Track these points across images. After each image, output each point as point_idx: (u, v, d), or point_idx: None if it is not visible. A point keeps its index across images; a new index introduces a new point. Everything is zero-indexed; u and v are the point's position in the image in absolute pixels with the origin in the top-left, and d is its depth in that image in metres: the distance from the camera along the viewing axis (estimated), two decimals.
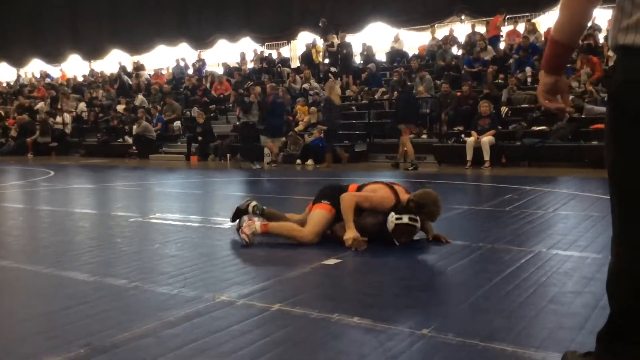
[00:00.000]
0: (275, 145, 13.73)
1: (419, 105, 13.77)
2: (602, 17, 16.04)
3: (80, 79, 24.90)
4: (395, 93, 14.13)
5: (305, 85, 17.32)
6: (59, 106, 20.84)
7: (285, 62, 20.71)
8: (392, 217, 4.39)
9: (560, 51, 1.83)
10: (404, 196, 4.60)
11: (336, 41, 18.62)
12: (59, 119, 20.16)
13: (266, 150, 13.90)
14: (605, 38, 14.33)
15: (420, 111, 13.48)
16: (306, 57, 19.57)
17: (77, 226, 5.93)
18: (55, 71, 27.18)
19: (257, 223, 4.60)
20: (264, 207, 5.01)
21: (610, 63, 12.98)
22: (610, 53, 13.05)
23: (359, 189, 4.76)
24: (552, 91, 1.89)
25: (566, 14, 1.77)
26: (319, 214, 4.63)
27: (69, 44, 26.64)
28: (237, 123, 15.06)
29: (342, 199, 4.50)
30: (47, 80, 25.59)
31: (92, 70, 25.46)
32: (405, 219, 4.36)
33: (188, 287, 3.39)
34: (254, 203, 5.01)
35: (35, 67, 27.79)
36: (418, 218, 4.43)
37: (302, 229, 4.61)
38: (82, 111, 20.94)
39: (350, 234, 4.39)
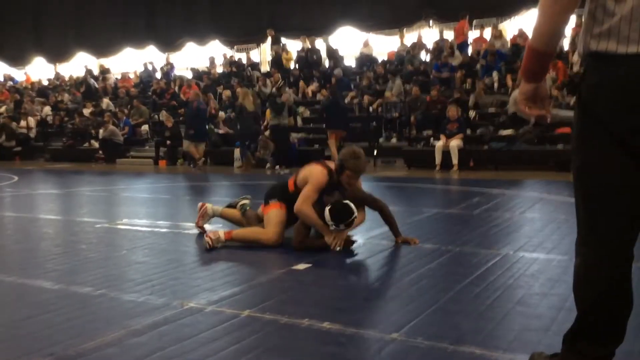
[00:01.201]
0: (198, 150, 13.95)
1: (347, 111, 14.26)
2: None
3: (46, 82, 24.42)
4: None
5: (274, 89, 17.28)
6: (23, 110, 20.38)
7: (255, 65, 20.65)
8: (328, 223, 4.41)
9: (540, 59, 1.82)
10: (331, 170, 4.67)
11: (307, 45, 18.70)
12: (23, 123, 19.71)
13: (236, 155, 13.89)
14: (571, 44, 14.62)
15: (348, 117, 13.91)
16: (276, 62, 19.56)
17: (41, 233, 5.80)
18: (19, 74, 26.60)
19: (221, 232, 4.67)
20: (248, 208, 5.10)
21: (575, 68, 13.25)
22: (575, 58, 13.34)
23: (295, 180, 4.81)
24: (533, 98, 1.89)
25: (543, 21, 1.77)
26: (275, 213, 4.70)
27: (33, 47, 26.07)
28: (267, 125, 14.17)
29: (298, 213, 4.52)
30: (11, 83, 25.02)
31: (57, 74, 24.99)
32: (341, 226, 4.39)
33: (155, 295, 3.34)
34: (243, 202, 5.11)
35: None
36: (355, 216, 4.42)
37: (266, 232, 4.66)
38: (47, 115, 20.52)
39: (329, 237, 4.43)
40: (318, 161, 4.90)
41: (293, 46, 19.97)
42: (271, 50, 19.88)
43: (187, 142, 14.14)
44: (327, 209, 4.41)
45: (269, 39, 20.69)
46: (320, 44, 19.20)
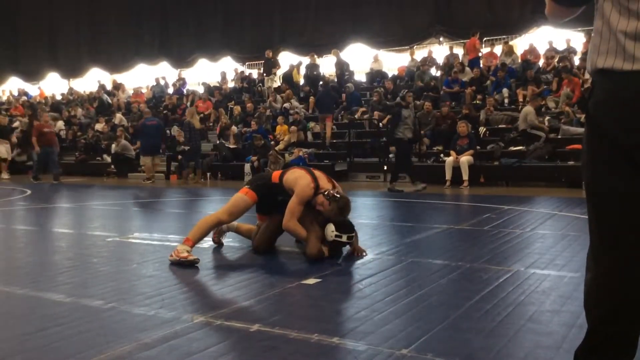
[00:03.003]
0: (151, 164, 14.82)
1: (337, 97, 16.82)
2: (577, 40, 16.40)
3: (59, 97, 24.70)
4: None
5: (286, 105, 17.39)
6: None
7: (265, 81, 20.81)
8: (331, 232, 4.57)
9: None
10: (325, 183, 4.73)
11: (313, 61, 18.94)
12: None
13: (246, 169, 13.97)
14: (583, 60, 14.62)
15: (338, 102, 16.82)
16: (287, 77, 19.70)
17: (53, 246, 5.83)
18: (33, 89, 26.94)
19: (179, 246, 4.63)
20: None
21: (586, 85, 13.24)
22: (587, 75, 13.32)
23: (282, 174, 4.89)
24: None
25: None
26: (237, 196, 4.81)
27: (48, 62, 26.47)
28: (386, 139, 13.34)
29: (286, 229, 4.70)
30: (25, 98, 25.33)
31: (71, 89, 25.28)
32: (344, 237, 4.59)
33: (166, 308, 3.35)
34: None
35: (13, 85, 27.52)
36: (355, 233, 4.70)
37: (215, 214, 4.82)
38: (60, 129, 20.73)
39: (316, 245, 4.56)
40: (307, 170, 4.94)
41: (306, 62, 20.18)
42: (264, 67, 20.36)
43: (142, 157, 15.15)
44: (331, 224, 4.58)
45: (280, 55, 20.92)
46: (329, 60, 19.35)
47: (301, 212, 4.65)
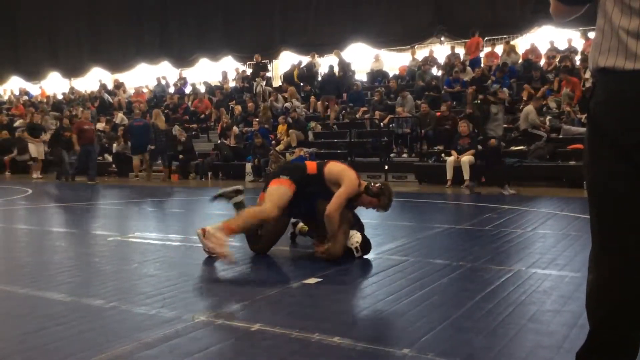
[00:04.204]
0: (139, 161, 15.38)
1: (339, 81, 17.70)
2: (578, 39, 16.38)
3: (60, 96, 24.71)
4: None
5: (287, 105, 17.38)
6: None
7: (267, 80, 20.81)
8: (355, 242, 4.64)
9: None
10: (360, 181, 4.73)
11: (314, 61, 18.95)
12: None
13: (247, 169, 13.98)
14: (582, 60, 14.61)
15: (340, 86, 17.69)
16: (288, 77, 19.71)
17: (54, 245, 5.84)
18: (34, 89, 26.95)
19: (218, 233, 4.24)
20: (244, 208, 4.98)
21: (587, 85, 13.22)
22: (587, 75, 13.31)
23: (320, 166, 4.76)
24: None
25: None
26: (282, 189, 4.54)
27: (49, 62, 26.49)
28: (480, 139, 12.13)
29: (329, 216, 4.48)
30: (26, 97, 25.34)
31: (72, 88, 25.29)
32: (359, 254, 4.66)
33: (167, 308, 3.35)
34: (238, 199, 5.03)
35: (14, 85, 27.53)
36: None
37: (262, 208, 4.44)
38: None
39: (322, 246, 4.54)
40: (347, 164, 4.94)
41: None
42: (253, 71, 20.69)
43: (133, 156, 15.69)
44: (358, 235, 4.68)
45: (281, 54, 20.94)
46: (330, 60, 19.36)
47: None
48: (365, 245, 4.71)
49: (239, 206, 5.02)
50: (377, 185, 4.69)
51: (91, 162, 14.80)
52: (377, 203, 4.67)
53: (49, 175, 16.75)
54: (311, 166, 4.78)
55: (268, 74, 21.50)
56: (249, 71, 21.46)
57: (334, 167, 4.73)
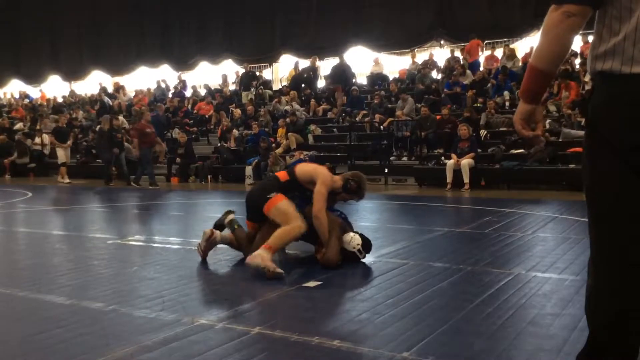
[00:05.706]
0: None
1: (350, 74, 18.26)
2: (577, 42, 16.42)
3: (60, 99, 24.72)
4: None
5: (287, 107, 17.39)
6: (38, 127, 20.59)
7: (267, 84, 20.81)
8: (356, 244, 4.66)
9: (540, 79, 1.82)
10: (333, 177, 4.81)
11: (315, 64, 19.03)
12: (37, 139, 19.91)
13: (247, 172, 13.99)
14: (582, 64, 14.62)
15: (351, 79, 18.19)
16: (295, 80, 19.76)
17: (54, 248, 5.84)
18: (34, 92, 26.97)
19: (263, 252, 4.23)
20: (237, 226, 4.98)
21: (587, 87, 13.22)
22: (587, 78, 13.32)
23: (289, 171, 4.84)
24: (529, 120, 1.90)
25: (546, 40, 1.78)
26: (286, 203, 4.59)
27: (49, 65, 26.50)
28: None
29: (316, 216, 4.51)
30: (26, 100, 25.36)
31: (72, 91, 25.30)
32: (362, 255, 4.69)
33: (166, 311, 3.35)
34: (231, 217, 5.04)
35: (14, 88, 27.55)
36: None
37: (294, 226, 4.45)
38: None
39: (334, 255, 4.50)
40: (316, 164, 5.02)
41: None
42: (242, 81, 20.58)
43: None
44: (357, 237, 4.70)
45: (281, 57, 20.98)
46: (330, 63, 19.40)
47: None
48: (366, 245, 4.74)
49: (231, 224, 5.01)
50: (350, 179, 4.82)
51: (150, 166, 14.43)
52: (356, 198, 4.93)
53: (76, 180, 16.42)
54: (282, 175, 4.88)
55: (268, 77, 21.54)
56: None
57: (305, 167, 4.87)
